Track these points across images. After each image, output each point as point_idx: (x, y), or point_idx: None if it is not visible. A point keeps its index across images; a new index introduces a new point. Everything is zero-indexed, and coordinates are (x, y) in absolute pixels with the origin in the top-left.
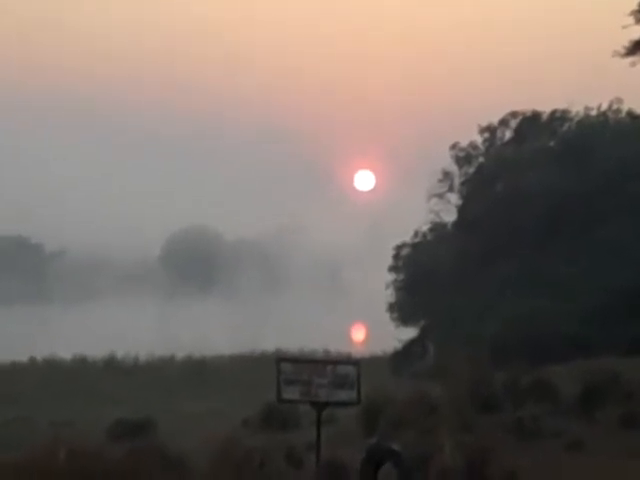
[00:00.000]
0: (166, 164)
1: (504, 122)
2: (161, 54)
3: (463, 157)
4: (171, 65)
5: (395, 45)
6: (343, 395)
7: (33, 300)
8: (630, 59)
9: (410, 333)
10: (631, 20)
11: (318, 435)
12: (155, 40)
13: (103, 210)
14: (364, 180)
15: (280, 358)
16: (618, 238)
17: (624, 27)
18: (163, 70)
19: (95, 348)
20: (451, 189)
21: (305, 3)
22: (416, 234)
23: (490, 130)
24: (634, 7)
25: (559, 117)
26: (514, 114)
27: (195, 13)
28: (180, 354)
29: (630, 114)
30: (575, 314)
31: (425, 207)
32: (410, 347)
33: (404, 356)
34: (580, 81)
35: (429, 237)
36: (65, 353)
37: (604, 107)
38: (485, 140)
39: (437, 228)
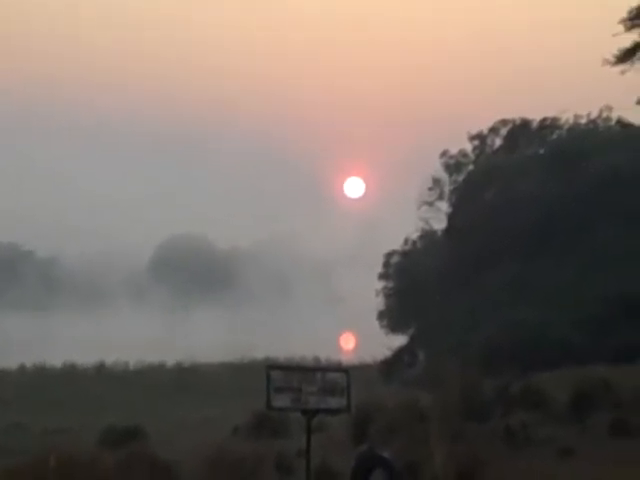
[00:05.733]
0: (157, 172)
1: (494, 130)
2: (151, 61)
3: (453, 165)
4: (163, 73)
5: (386, 53)
6: (333, 402)
7: (23, 307)
8: (620, 67)
9: (400, 340)
10: (621, 28)
11: (308, 442)
12: (148, 45)
13: (94, 218)
14: (354, 187)
15: (270, 366)
16: (608, 246)
17: (614, 35)
18: (156, 77)
19: (85, 355)
20: (441, 197)
21: (295, 9)
22: (406, 242)
23: (480, 138)
24: (624, 15)
25: (549, 125)
26: (504, 122)
27: (191, 20)
28: (170, 361)
29: (620, 122)
30: (565, 322)
31: (415, 214)
32: (400, 355)
33: (394, 364)
34: (570, 89)
35: (419, 245)
36: (55, 360)
37: (594, 115)
38: (475, 148)
39: (427, 236)
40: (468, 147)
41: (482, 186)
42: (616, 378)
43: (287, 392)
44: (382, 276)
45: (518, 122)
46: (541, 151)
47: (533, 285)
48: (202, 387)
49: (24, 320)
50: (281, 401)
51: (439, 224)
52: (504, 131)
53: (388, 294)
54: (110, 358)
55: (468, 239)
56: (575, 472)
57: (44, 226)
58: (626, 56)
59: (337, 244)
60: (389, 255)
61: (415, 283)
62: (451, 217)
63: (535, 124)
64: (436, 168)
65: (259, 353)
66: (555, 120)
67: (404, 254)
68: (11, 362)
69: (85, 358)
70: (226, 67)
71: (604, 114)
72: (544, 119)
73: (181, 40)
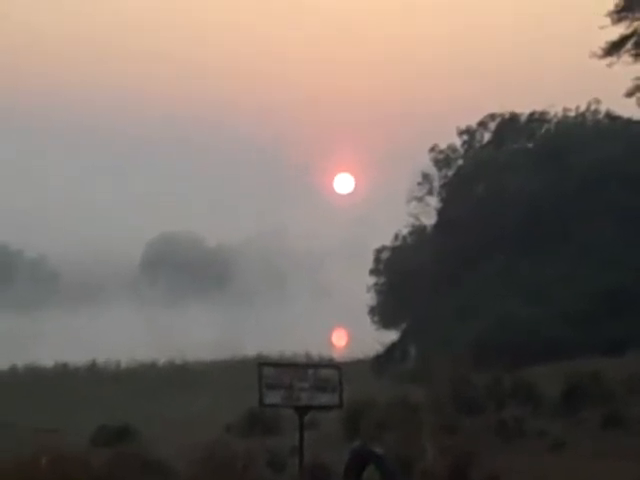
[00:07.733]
0: (146, 170)
1: (483, 124)
2: (130, 56)
3: (442, 160)
4: (148, 70)
5: (375, 49)
6: (325, 399)
7: (14, 307)
8: (607, 60)
9: (391, 336)
10: (608, 21)
11: (301, 439)
12: (136, 42)
13: (83, 216)
14: (344, 183)
15: (262, 363)
16: (597, 239)
17: (601, 28)
18: (140, 74)
19: (76, 355)
20: (430, 192)
21: (286, 6)
22: (396, 237)
23: (469, 132)
24: (611, 8)
25: (537, 119)
26: (493, 116)
27: (186, 17)
28: (162, 360)
29: (608, 115)
30: (556, 315)
31: (405, 210)
32: (391, 350)
33: (386, 359)
34: (558, 83)
35: (409, 240)
36: (47, 360)
37: (582, 108)
38: (464, 142)
39: (417, 231)
40: (457, 142)
41: (471, 181)
42: (607, 371)
43: (279, 389)
44: (373, 272)
45: (507, 116)
46: (530, 145)
47: (523, 279)
48: (194, 385)
49: (15, 320)
50: (273, 398)
51: (429, 219)
52: (493, 125)
53: (379, 290)
54: (102, 357)
55: (458, 234)
56: (568, 465)
57: (33, 225)
58: (613, 49)
59: (328, 240)
60: (379, 251)
61: (405, 278)
62: (441, 212)
63: (524, 118)
64: (425, 163)
65: (250, 350)
66: (544, 114)
67: (394, 249)
68: (2, 362)
69: (77, 357)
70: (214, 63)
71: (592, 107)
72: (532, 113)
73: (166, 35)
